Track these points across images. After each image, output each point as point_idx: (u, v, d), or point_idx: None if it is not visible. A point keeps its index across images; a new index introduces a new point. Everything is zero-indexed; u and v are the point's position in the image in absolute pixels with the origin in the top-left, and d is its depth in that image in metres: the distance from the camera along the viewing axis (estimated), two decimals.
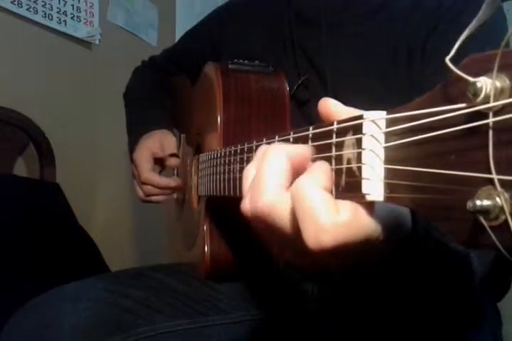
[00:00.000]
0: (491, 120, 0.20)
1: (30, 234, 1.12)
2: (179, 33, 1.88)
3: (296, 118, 0.69)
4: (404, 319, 0.62)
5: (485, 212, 0.20)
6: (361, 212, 0.29)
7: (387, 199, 0.27)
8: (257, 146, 0.44)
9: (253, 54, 0.75)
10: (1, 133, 1.24)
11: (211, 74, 0.70)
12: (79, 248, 1.24)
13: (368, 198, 0.28)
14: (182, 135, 0.96)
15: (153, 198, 0.89)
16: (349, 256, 0.31)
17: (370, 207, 0.30)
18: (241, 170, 0.48)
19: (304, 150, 0.33)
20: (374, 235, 0.30)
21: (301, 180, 0.30)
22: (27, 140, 1.30)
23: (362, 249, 0.30)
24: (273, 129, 0.46)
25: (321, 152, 0.33)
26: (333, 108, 0.33)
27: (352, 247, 0.29)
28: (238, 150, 0.50)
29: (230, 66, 0.69)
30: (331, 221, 0.28)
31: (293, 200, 0.30)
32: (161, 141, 0.89)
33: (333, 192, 0.31)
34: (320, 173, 0.30)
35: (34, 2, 1.34)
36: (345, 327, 0.66)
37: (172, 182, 0.87)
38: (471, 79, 0.21)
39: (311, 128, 0.35)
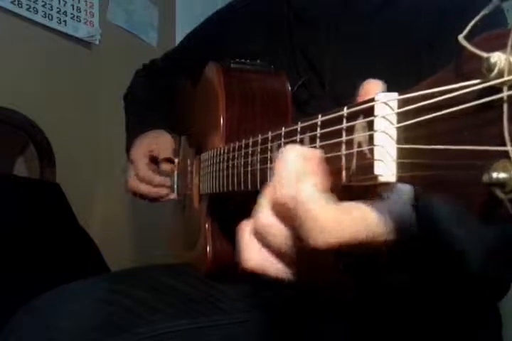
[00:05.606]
0: (505, 93, 0.20)
1: (30, 234, 1.12)
2: (179, 33, 1.89)
3: (296, 118, 0.69)
4: (402, 319, 0.62)
5: (501, 184, 0.20)
6: (364, 213, 0.29)
7: (400, 178, 0.27)
8: (262, 139, 0.44)
9: (253, 54, 0.75)
10: (1, 133, 1.24)
11: (213, 73, 0.70)
12: (79, 248, 1.24)
13: (381, 179, 0.28)
14: (183, 136, 0.96)
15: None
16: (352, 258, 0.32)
17: (376, 208, 0.30)
18: (245, 164, 0.48)
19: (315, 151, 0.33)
20: (376, 235, 0.30)
21: (299, 185, 0.30)
22: (27, 140, 1.30)
23: (368, 251, 0.31)
24: (275, 128, 0.46)
25: (331, 138, 0.32)
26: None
27: (355, 246, 0.29)
28: (242, 145, 0.50)
29: (231, 65, 0.69)
30: (331, 220, 0.28)
31: (293, 206, 0.30)
32: (157, 140, 0.89)
33: (344, 177, 0.31)
34: (314, 175, 0.30)
35: (34, 2, 1.34)
36: (345, 328, 0.66)
37: (165, 181, 0.87)
38: (484, 54, 0.21)
39: (320, 115, 0.34)
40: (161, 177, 0.89)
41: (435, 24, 0.62)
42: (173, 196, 0.92)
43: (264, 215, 0.33)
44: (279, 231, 0.32)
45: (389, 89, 0.29)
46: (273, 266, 0.35)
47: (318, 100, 0.70)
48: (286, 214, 0.31)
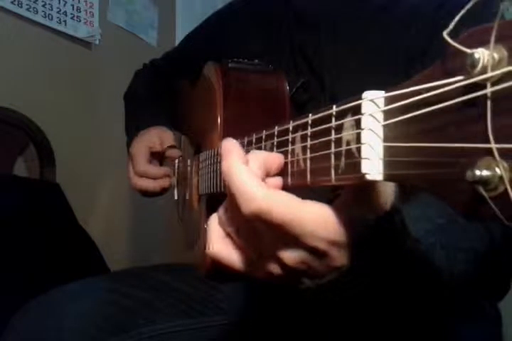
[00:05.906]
0: (488, 90, 0.20)
1: (30, 234, 1.12)
2: (179, 33, 1.89)
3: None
4: (395, 319, 0.62)
5: (484, 182, 0.20)
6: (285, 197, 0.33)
7: (387, 177, 0.28)
8: (257, 138, 0.44)
9: (253, 55, 0.75)
10: (1, 133, 1.24)
11: (211, 73, 0.70)
12: (79, 248, 1.24)
13: (368, 177, 0.28)
14: (182, 136, 0.96)
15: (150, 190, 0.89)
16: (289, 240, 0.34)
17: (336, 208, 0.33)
18: None
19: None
20: (296, 221, 0.32)
21: (227, 164, 0.35)
22: (27, 140, 1.30)
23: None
24: (272, 128, 0.47)
25: (321, 137, 0.33)
26: None
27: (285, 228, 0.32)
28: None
29: (230, 65, 0.69)
30: (256, 191, 0.33)
31: (226, 181, 0.35)
32: (158, 136, 0.89)
33: (333, 175, 0.31)
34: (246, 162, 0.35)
35: (34, 2, 1.34)
36: (345, 327, 0.66)
37: (168, 170, 0.87)
38: (468, 50, 0.21)
39: (310, 114, 0.35)
40: (160, 167, 0.88)
41: (430, 31, 0.62)
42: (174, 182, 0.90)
43: (225, 201, 0.37)
44: (229, 213, 0.36)
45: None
46: (230, 256, 0.38)
47: (317, 102, 0.70)
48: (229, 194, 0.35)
